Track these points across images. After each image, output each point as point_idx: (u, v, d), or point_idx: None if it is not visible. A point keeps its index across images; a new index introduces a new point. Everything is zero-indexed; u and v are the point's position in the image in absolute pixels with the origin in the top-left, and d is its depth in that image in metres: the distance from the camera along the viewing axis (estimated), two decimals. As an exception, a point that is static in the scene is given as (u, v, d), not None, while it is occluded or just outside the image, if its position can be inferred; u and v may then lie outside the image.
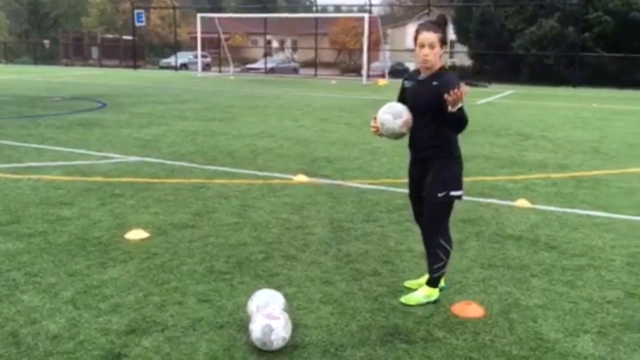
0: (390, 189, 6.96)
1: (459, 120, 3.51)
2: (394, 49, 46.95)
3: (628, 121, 14.71)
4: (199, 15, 33.41)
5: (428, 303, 3.81)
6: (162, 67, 45.67)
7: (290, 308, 3.59)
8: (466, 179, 7.38)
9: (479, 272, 4.38)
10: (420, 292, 3.87)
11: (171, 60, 46.05)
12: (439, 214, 3.77)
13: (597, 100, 20.77)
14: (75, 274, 4.20)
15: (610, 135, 11.96)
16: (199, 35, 33.00)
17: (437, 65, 3.65)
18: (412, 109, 3.71)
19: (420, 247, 4.87)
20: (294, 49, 56.68)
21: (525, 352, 3.22)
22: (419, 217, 4.00)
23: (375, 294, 3.96)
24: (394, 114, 3.70)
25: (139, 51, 46.99)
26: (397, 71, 38.94)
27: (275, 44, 59.68)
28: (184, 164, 8.19)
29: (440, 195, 3.69)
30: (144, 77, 32.12)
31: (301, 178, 7.34)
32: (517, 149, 10.00)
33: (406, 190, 6.81)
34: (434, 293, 3.85)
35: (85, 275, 4.18)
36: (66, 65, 47.97)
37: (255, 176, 7.50)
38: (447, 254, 3.81)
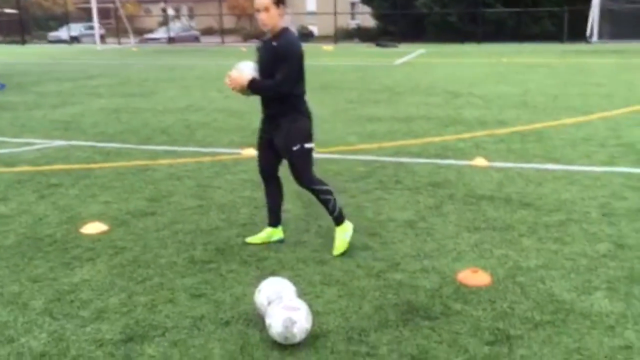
0: (347, 157, 6.78)
1: (264, 94, 3.87)
2: (296, 12, 46.43)
3: (542, 73, 15.31)
4: (92, -17, 31.32)
5: (349, 239, 4.07)
6: (51, 42, 42.67)
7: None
8: (417, 141, 7.51)
9: (468, 237, 4.31)
10: (340, 236, 4.06)
11: (61, 33, 43.13)
12: (300, 165, 3.95)
13: (505, 55, 21.53)
14: (40, 279, 3.73)
15: (532, 88, 12.37)
16: (94, 5, 30.99)
17: (279, 26, 3.79)
18: (260, 67, 3.88)
19: (401, 215, 4.79)
20: (191, 16, 54.76)
21: (549, 317, 3.16)
22: (263, 170, 4.16)
23: (376, 270, 3.79)
24: (236, 69, 3.87)
25: (26, 25, 43.58)
26: (302, 35, 38.57)
27: (170, 12, 57.36)
28: (118, 145, 7.60)
29: (294, 148, 3.88)
30: (36, 52, 29.87)
31: (250, 152, 6.98)
32: (451, 107, 10.10)
33: (366, 157, 6.75)
34: (347, 227, 4.10)
35: (51, 280, 3.72)
36: (-57, 43, 43.71)
37: (201, 153, 7.08)
38: (329, 192, 4.03)
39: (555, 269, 3.74)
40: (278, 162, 4.09)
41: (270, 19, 3.73)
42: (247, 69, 3.86)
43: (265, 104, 3.96)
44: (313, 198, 5.16)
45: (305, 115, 3.94)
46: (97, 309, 3.35)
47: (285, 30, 3.82)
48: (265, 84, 3.79)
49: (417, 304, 3.34)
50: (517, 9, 31.66)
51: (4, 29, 46.07)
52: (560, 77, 14.60)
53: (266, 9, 3.70)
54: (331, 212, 4.05)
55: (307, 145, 3.91)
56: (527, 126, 8.33)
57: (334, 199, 4.04)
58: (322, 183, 4.03)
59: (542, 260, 3.88)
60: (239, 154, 6.98)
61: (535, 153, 6.73)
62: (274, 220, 4.28)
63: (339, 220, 4.07)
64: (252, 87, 3.78)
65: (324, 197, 4.02)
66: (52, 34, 44.16)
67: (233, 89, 3.84)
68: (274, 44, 3.77)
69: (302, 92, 3.92)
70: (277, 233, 4.29)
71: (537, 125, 8.35)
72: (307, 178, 3.99)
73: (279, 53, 3.73)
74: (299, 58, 3.79)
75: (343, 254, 4.00)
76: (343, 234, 4.07)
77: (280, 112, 3.89)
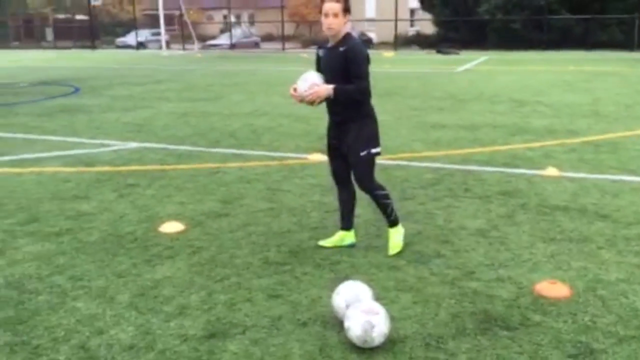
0: (413, 163, 6.77)
1: (350, 100, 3.86)
2: (355, 19, 46.49)
3: (611, 82, 14.84)
4: (160, -10, 32.36)
5: (402, 240, 4.23)
6: (118, 47, 44.19)
7: (371, 299, 3.38)
8: (484, 149, 7.42)
9: (543, 247, 4.24)
10: (394, 237, 4.21)
11: (127, 39, 44.59)
12: (365, 170, 4.03)
13: (571, 63, 20.97)
14: (124, 275, 3.90)
15: (602, 97, 12.01)
16: (161, 12, 31.98)
17: (343, 32, 3.86)
18: (326, 74, 3.92)
19: (473, 224, 4.75)
20: (251, 22, 55.62)
21: (634, 332, 3.08)
22: (336, 175, 4.24)
23: (450, 278, 3.78)
24: (302, 79, 3.92)
25: (96, 31, 45.33)
26: (362, 42, 38.48)
27: (232, 19, 58.49)
28: (188, 147, 7.83)
29: (362, 154, 3.95)
30: (106, 58, 31.04)
31: (317, 157, 7.07)
32: (518, 115, 9.92)
33: (432, 164, 6.71)
34: (401, 230, 4.25)
35: (135, 276, 3.88)
36: (18, 48, 45.99)
37: (268, 157, 7.21)
38: (388, 196, 4.14)
39: (638, 284, 3.63)
40: (349, 167, 4.12)
41: (338, 24, 3.81)
42: (317, 79, 3.90)
43: (334, 110, 4.01)
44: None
45: (373, 119, 4.01)
46: (179, 305, 3.47)
47: (349, 35, 3.89)
48: (349, 89, 3.82)
49: (494, 314, 3.32)
50: (584, 16, 30.77)
51: (75, 34, 48.06)
52: (631, 86, 14.11)
53: (335, 15, 3.78)
54: (388, 215, 4.17)
55: (374, 150, 3.99)
56: (599, 136, 8.10)
57: (391, 202, 4.15)
58: (382, 188, 4.11)
59: (624, 274, 3.78)
60: (305, 158, 7.07)
61: (609, 164, 6.53)
62: (347, 224, 4.33)
63: (395, 222, 4.21)
64: (339, 94, 3.81)
65: (383, 201, 4.11)
66: (120, 40, 45.73)
67: (312, 102, 3.87)
68: (342, 49, 3.82)
69: (370, 96, 3.96)
70: (349, 237, 4.34)
71: (610, 135, 8.11)
72: (371, 182, 4.06)
73: (349, 57, 3.79)
74: (369, 60, 3.87)
75: (399, 254, 4.13)
76: (398, 235, 4.22)
77: (349, 117, 3.94)
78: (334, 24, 3.80)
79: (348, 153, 4.00)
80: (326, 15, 3.81)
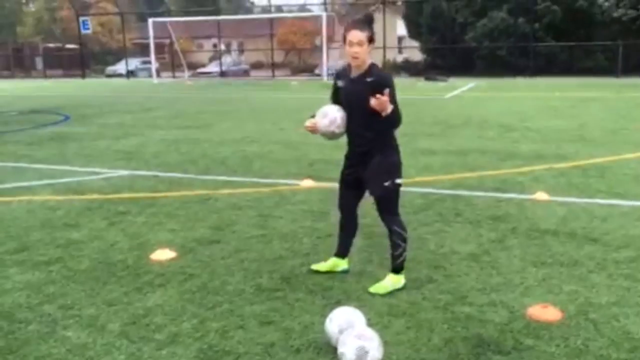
0: (405, 189, 6.74)
1: (394, 120, 3.71)
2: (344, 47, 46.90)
3: (597, 108, 15.05)
4: (150, 20, 32.62)
5: (394, 290, 3.93)
6: (108, 75, 44.36)
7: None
8: (473, 174, 7.47)
9: (535, 271, 4.26)
10: (388, 281, 3.98)
11: (117, 67, 44.81)
12: (388, 202, 3.92)
13: (557, 89, 21.26)
14: (115, 303, 3.87)
15: (588, 122, 12.17)
16: (151, 41, 32.21)
17: (367, 62, 3.76)
18: (348, 107, 3.84)
19: (464, 248, 4.77)
20: (241, 51, 56.06)
21: (625, 355, 3.10)
22: (345, 205, 4.18)
23: (442, 303, 3.78)
24: (322, 114, 3.88)
25: (86, 60, 45.51)
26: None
27: (222, 47, 58.95)
28: (179, 175, 7.83)
29: (386, 184, 3.84)
30: (96, 86, 31.12)
31: (308, 183, 7.10)
32: (507, 140, 10.03)
33: (423, 190, 6.73)
34: (400, 280, 3.99)
35: (126, 304, 3.85)
36: (8, 77, 46.01)
37: (259, 184, 7.22)
38: (404, 239, 3.96)
39: (628, 307, 3.66)
40: (359, 200, 4.11)
41: (363, 53, 3.70)
42: (337, 113, 3.85)
43: (358, 141, 3.90)
44: (374, 230, 5.24)
45: (396, 150, 3.91)
46: (171, 333, 3.45)
47: (374, 65, 3.80)
48: (396, 109, 3.68)
49: (487, 338, 3.32)
50: (569, 43, 31.34)
51: (66, 63, 48.22)
52: (616, 111, 14.33)
53: (360, 44, 3.68)
54: (395, 258, 3.97)
55: (397, 181, 3.88)
56: (587, 160, 8.19)
57: (405, 248, 3.96)
58: (403, 228, 3.96)
59: (614, 297, 3.80)
60: (297, 185, 7.09)
61: (598, 188, 6.60)
62: (343, 251, 4.32)
63: (398, 269, 3.99)
64: (395, 112, 3.66)
65: (397, 240, 3.94)
66: (110, 68, 45.94)
67: (379, 106, 3.62)
68: (369, 79, 3.71)
69: (396, 127, 3.84)
70: (342, 264, 4.33)
71: (598, 160, 8.21)
72: (394, 214, 3.95)
73: (382, 85, 3.63)
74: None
75: (382, 295, 3.87)
76: (393, 283, 3.98)
77: (374, 147, 3.84)
78: (359, 53, 3.69)
79: (370, 185, 3.90)
80: (351, 44, 3.70)
